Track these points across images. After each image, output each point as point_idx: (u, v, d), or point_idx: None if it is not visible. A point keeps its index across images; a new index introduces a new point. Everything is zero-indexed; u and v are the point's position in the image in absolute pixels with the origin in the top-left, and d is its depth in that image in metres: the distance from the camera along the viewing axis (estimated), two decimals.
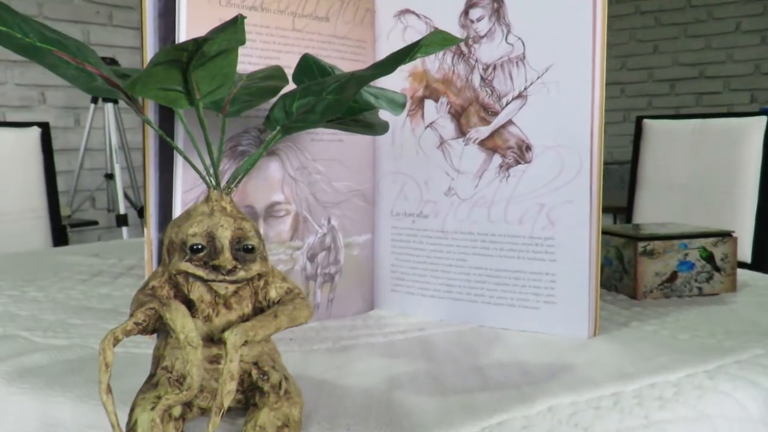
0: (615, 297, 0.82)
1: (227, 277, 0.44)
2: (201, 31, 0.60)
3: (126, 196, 3.11)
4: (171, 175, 0.60)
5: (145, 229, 0.63)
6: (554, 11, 0.65)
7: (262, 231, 0.65)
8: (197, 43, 0.38)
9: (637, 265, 0.81)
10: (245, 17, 0.38)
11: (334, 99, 0.44)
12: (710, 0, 4.41)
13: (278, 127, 0.46)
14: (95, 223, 3.19)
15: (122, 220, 2.98)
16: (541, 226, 0.66)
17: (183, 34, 0.60)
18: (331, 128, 0.54)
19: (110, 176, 3.07)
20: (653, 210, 1.98)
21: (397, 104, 0.55)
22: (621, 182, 3.94)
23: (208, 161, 0.47)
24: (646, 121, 2.00)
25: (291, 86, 0.57)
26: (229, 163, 0.63)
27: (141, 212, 3.13)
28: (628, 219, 2.00)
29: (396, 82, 0.72)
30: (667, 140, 1.98)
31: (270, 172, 0.66)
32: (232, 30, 0.37)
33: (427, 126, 0.72)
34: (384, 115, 0.62)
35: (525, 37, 0.66)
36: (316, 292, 0.71)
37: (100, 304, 0.80)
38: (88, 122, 3.11)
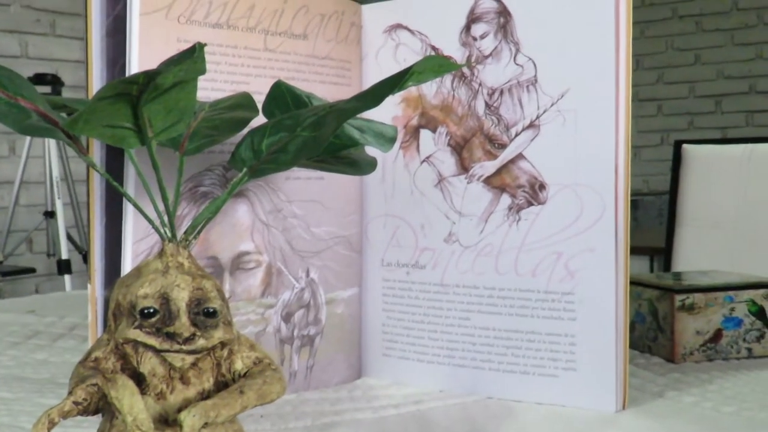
0: (648, 360, 0.82)
1: (184, 347, 0.44)
2: (156, 53, 0.61)
3: (69, 238, 3.12)
4: (120, 222, 0.61)
5: (89, 286, 0.64)
6: (570, 27, 0.67)
7: (228, 286, 0.66)
8: (148, 77, 0.39)
9: (674, 322, 0.81)
10: (205, 45, 0.39)
11: (310, 136, 0.45)
12: (761, 2, 4.47)
13: (245, 169, 0.47)
14: (32, 270, 3.19)
15: (64, 267, 2.98)
16: (559, 278, 0.67)
17: (135, 57, 0.61)
18: (307, 167, 0.55)
19: (50, 214, 3.07)
20: (696, 251, 1.99)
21: (385, 139, 0.56)
22: (659, 216, 3.96)
23: (162, 208, 0.48)
24: (686, 146, 2.02)
25: (262, 117, 0.58)
26: (189, 206, 0.64)
27: (87, 257, 3.13)
28: (667, 262, 2.01)
29: (386, 108, 0.73)
30: (711, 169, 2.00)
31: (237, 216, 0.67)
32: (190, 61, 0.38)
33: (424, 160, 0.73)
34: (372, 149, 0.63)
35: (537, 57, 0.68)
36: (293, 358, 0.71)
37: (35, 373, 0.80)
38: (25, 150, 3.12)
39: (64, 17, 3.57)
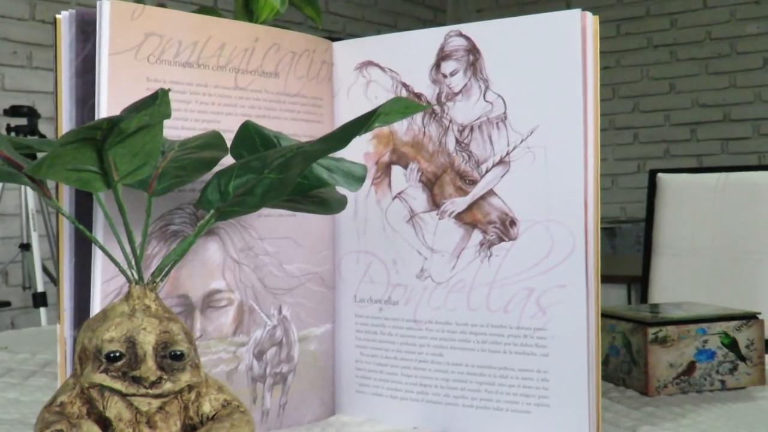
0: (623, 393, 0.83)
1: (150, 391, 0.44)
2: (125, 93, 0.61)
3: (45, 270, 3.09)
4: (89, 263, 0.60)
5: (58, 326, 0.63)
6: (538, 64, 0.67)
7: (199, 325, 0.66)
8: (112, 122, 0.39)
9: (647, 354, 0.82)
10: (168, 90, 0.39)
11: (277, 178, 0.45)
12: (733, 32, 4.55)
13: (212, 210, 0.47)
14: (7, 304, 3.15)
15: (40, 300, 2.96)
16: (531, 314, 0.67)
17: (104, 97, 0.61)
18: (276, 208, 0.55)
19: (26, 246, 3.05)
20: (673, 280, 2.00)
21: (354, 178, 0.56)
22: (637, 244, 3.98)
23: (129, 250, 0.48)
24: (661, 175, 2.04)
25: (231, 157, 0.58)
26: (159, 245, 0.63)
27: None
28: (644, 291, 2.02)
29: (357, 145, 0.74)
30: (686, 197, 2.02)
31: (208, 254, 0.67)
32: (154, 107, 0.39)
33: (395, 196, 0.73)
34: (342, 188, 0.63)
35: (505, 94, 0.69)
36: (265, 396, 0.71)
37: (4, 412, 0.79)
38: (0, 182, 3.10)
39: (41, 49, 3.57)
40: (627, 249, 3.98)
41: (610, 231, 4.04)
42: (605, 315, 0.88)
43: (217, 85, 0.67)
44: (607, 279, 2.51)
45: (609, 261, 3.12)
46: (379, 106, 0.46)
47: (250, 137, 0.56)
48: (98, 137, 0.41)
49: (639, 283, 2.40)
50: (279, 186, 0.45)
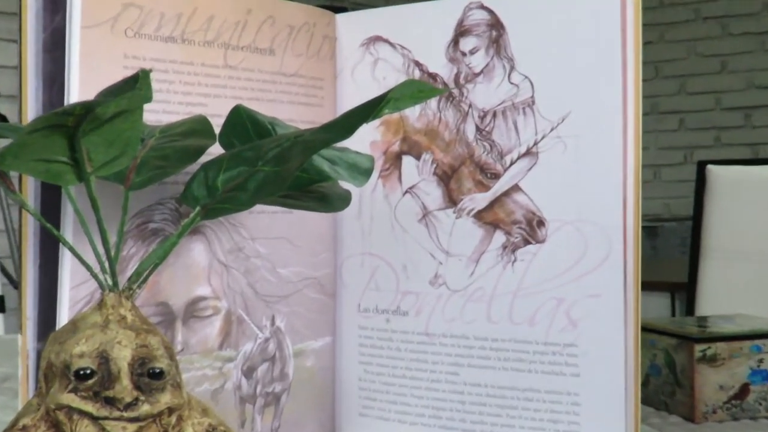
0: (665, 420, 0.83)
1: (126, 414, 0.44)
2: (100, 71, 0.62)
3: (3, 271, 3.10)
4: (56, 265, 0.61)
5: (20, 337, 0.63)
6: (570, 40, 0.67)
7: (180, 337, 0.66)
8: (86, 107, 0.39)
9: (694, 375, 0.82)
10: (150, 71, 0.40)
11: (272, 172, 0.45)
12: None
13: (197, 208, 0.48)
14: None
15: None
16: (560, 328, 0.68)
17: (75, 76, 0.61)
18: (270, 205, 0.55)
19: None
20: (724, 288, 2.00)
21: (360, 171, 0.56)
22: (682, 246, 3.98)
23: (103, 252, 0.48)
24: (710, 167, 2.04)
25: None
26: (137, 245, 0.64)
27: None
28: (690, 301, 2.02)
29: (363, 132, 0.74)
30: (740, 193, 2.02)
31: (192, 257, 0.67)
32: (134, 90, 0.39)
33: (406, 191, 0.74)
34: (346, 182, 0.63)
35: (534, 75, 0.69)
36: (255, 419, 0.71)
37: None
38: None
39: (1, 17, 3.58)
40: (671, 251, 3.97)
41: (651, 230, 4.04)
42: (645, 329, 0.88)
43: (204, 63, 0.68)
44: (647, 286, 2.50)
45: (650, 265, 3.12)
46: (388, 90, 0.46)
47: (242, 123, 0.56)
48: (70, 124, 0.41)
49: (684, 291, 2.39)
50: (274, 180, 0.46)
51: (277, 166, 0.46)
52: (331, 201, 0.58)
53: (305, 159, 0.45)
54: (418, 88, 0.49)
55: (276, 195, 0.48)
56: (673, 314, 2.78)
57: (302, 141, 0.46)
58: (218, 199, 0.48)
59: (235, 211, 0.47)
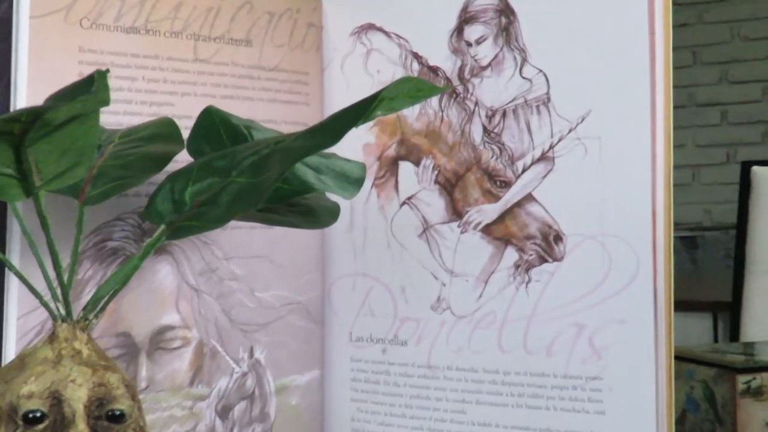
0: None
1: None
2: (52, 66, 0.62)
3: None
4: (1, 292, 0.61)
5: None
6: (591, 27, 0.68)
7: (145, 372, 0.66)
8: (34, 114, 0.40)
9: (736, 410, 0.82)
10: (107, 71, 0.40)
11: (248, 183, 0.46)
12: None
13: (162, 226, 0.48)
14: None
15: None
16: (581, 359, 0.68)
17: (23, 72, 0.62)
18: (247, 221, 0.56)
19: None
20: None
21: (349, 181, 0.57)
22: (726, 258, 3.97)
23: (54, 276, 0.49)
24: (756, 168, 2.04)
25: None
26: (94, 268, 0.64)
27: None
28: (735, 322, 2.02)
29: (355, 134, 0.74)
30: None
31: (158, 279, 0.68)
32: (88, 94, 0.39)
33: (404, 202, 0.74)
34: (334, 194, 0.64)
35: (549, 68, 0.69)
36: None
37: None
38: None
39: None
40: (713, 265, 3.97)
41: (690, 241, 4.04)
42: (680, 358, 0.88)
43: (171, 57, 0.68)
44: (686, 306, 2.50)
45: (689, 281, 3.11)
46: (381, 89, 0.47)
47: (213, 127, 0.56)
48: (16, 131, 0.42)
49: (728, 311, 2.39)
50: (251, 193, 0.46)
51: (254, 177, 0.46)
52: (317, 215, 0.58)
53: (286, 169, 0.45)
54: (415, 86, 0.49)
55: (253, 210, 0.49)
56: (716, 339, 2.78)
57: (282, 148, 0.46)
58: (186, 215, 0.48)
59: (206, 230, 0.48)
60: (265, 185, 0.46)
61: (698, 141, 4.71)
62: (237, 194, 0.47)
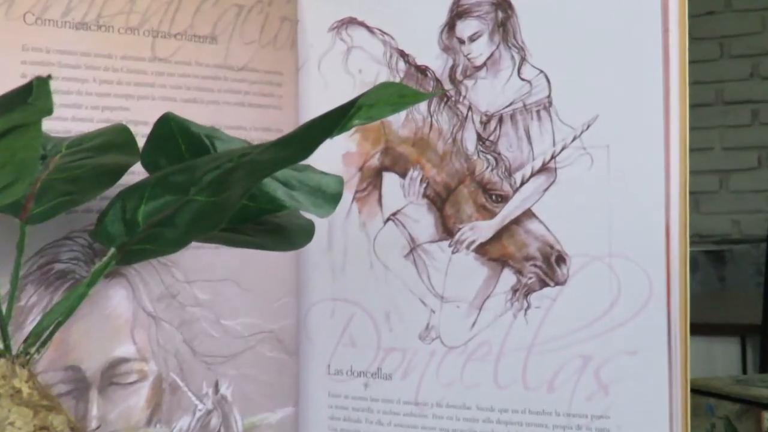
0: None
1: None
2: None
3: None
4: None
5: None
6: (597, 22, 0.68)
7: (96, 410, 0.66)
8: None
9: None
10: (49, 78, 0.40)
11: (209, 202, 0.46)
12: None
13: (113, 249, 0.48)
14: None
15: None
16: (587, 394, 0.68)
17: None
18: (208, 242, 0.56)
19: None
20: None
21: (325, 197, 0.57)
22: (757, 275, 3.97)
23: None
24: None
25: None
26: (39, 293, 0.64)
27: None
28: (765, 347, 2.02)
29: (333, 142, 0.74)
30: None
31: (110, 306, 0.67)
32: (27, 105, 0.39)
33: (388, 218, 0.74)
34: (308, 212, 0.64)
35: (551, 69, 0.69)
36: None
37: None
38: None
39: None
40: (742, 282, 3.97)
41: (717, 256, 4.04)
42: (699, 391, 0.88)
43: (127, 56, 0.68)
44: (710, 329, 2.50)
45: (714, 301, 3.12)
46: (359, 96, 0.47)
47: (171, 137, 0.56)
48: None
49: (758, 335, 2.40)
50: (212, 213, 0.46)
51: (215, 194, 0.46)
52: (290, 235, 0.58)
53: (251, 186, 0.46)
54: (398, 92, 0.49)
55: (214, 231, 0.49)
56: (744, 367, 2.78)
57: (248, 162, 0.46)
58: (139, 237, 0.48)
59: (162, 254, 0.48)
60: (228, 204, 0.46)
61: (726, 143, 4.72)
62: (196, 214, 0.47)
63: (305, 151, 0.46)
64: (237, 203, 0.46)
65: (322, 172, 0.59)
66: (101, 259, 0.52)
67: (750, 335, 2.83)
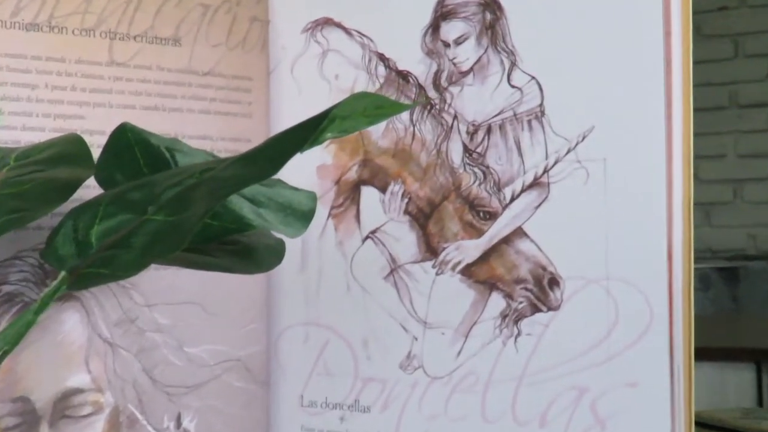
0: None
1: None
2: None
3: None
4: None
5: None
6: (594, 28, 0.68)
7: None
8: None
9: None
10: None
11: (168, 222, 0.46)
12: None
13: (63, 273, 0.48)
14: None
15: None
16: (582, 429, 0.68)
17: None
18: (168, 265, 0.56)
19: None
20: None
21: (296, 214, 0.57)
22: None
23: None
24: None
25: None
26: None
27: None
28: None
29: (307, 153, 0.74)
30: None
31: (63, 331, 0.67)
32: None
33: (367, 237, 0.74)
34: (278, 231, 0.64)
35: (543, 75, 0.70)
36: None
37: None
38: None
39: None
40: (757, 303, 3.97)
41: (730, 273, 4.04)
42: (704, 425, 0.89)
43: (82, 60, 0.68)
44: (723, 354, 2.50)
45: (728, 323, 3.12)
46: (331, 107, 0.47)
47: (128, 149, 0.56)
48: None
49: None
50: (171, 234, 0.46)
51: (175, 213, 0.46)
52: (258, 257, 0.58)
53: (214, 204, 0.46)
54: (374, 103, 0.49)
55: (174, 253, 0.49)
56: (760, 396, 2.79)
57: (210, 179, 0.46)
58: (92, 259, 0.48)
59: (117, 278, 0.48)
60: (188, 225, 0.46)
61: (741, 150, 4.72)
62: (154, 235, 0.47)
63: (273, 167, 0.46)
64: (198, 224, 0.46)
65: (293, 188, 0.59)
66: (53, 280, 0.52)
67: (767, 361, 2.83)
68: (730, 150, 4.74)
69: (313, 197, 0.59)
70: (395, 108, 0.50)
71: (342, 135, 0.50)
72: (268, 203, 0.56)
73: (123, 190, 0.49)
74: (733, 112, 4.74)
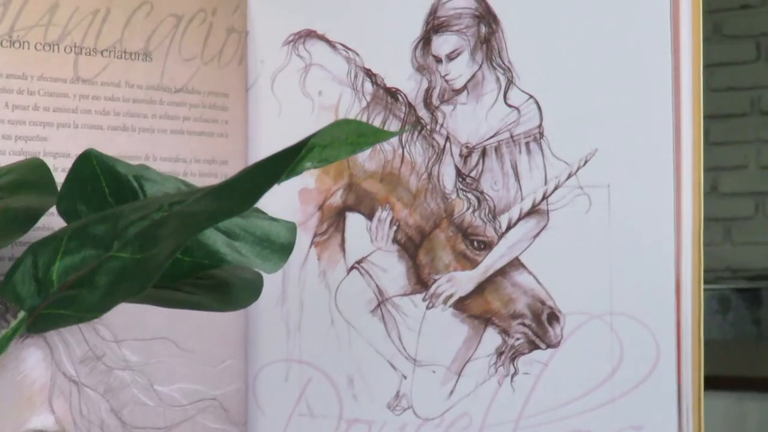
0: None
1: None
2: None
3: None
4: None
5: None
6: (597, 43, 0.68)
7: None
8: None
9: None
10: None
11: (134, 260, 0.46)
12: None
13: (22, 313, 0.48)
14: None
15: None
16: None
17: None
18: (137, 303, 0.56)
19: None
20: None
21: (274, 247, 0.57)
22: None
23: None
24: None
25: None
26: None
27: None
28: None
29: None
30: None
31: (25, 369, 0.67)
32: None
33: (353, 267, 0.74)
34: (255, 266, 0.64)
35: (542, 94, 0.70)
36: None
37: None
38: None
39: None
40: None
41: (751, 295, 4.02)
42: None
43: (44, 76, 0.68)
44: (743, 384, 2.49)
45: (749, 349, 3.11)
46: (311, 135, 0.47)
47: (92, 178, 0.56)
48: None
49: None
50: (137, 273, 0.46)
51: (141, 251, 0.46)
52: (233, 293, 0.58)
53: (184, 241, 0.46)
54: (356, 131, 0.49)
55: (141, 293, 0.49)
56: None
57: (179, 213, 0.46)
58: (53, 299, 0.48)
59: (80, 320, 0.48)
60: (156, 263, 0.46)
61: (763, 161, 4.72)
62: (119, 274, 0.47)
63: (247, 201, 0.46)
64: (166, 262, 0.46)
65: (271, 218, 0.59)
66: (15, 315, 0.52)
67: None
68: (752, 160, 4.74)
69: (292, 228, 0.59)
70: (378, 136, 0.50)
71: (322, 165, 0.50)
72: (244, 236, 0.56)
73: (85, 223, 0.49)
74: (755, 119, 4.73)
